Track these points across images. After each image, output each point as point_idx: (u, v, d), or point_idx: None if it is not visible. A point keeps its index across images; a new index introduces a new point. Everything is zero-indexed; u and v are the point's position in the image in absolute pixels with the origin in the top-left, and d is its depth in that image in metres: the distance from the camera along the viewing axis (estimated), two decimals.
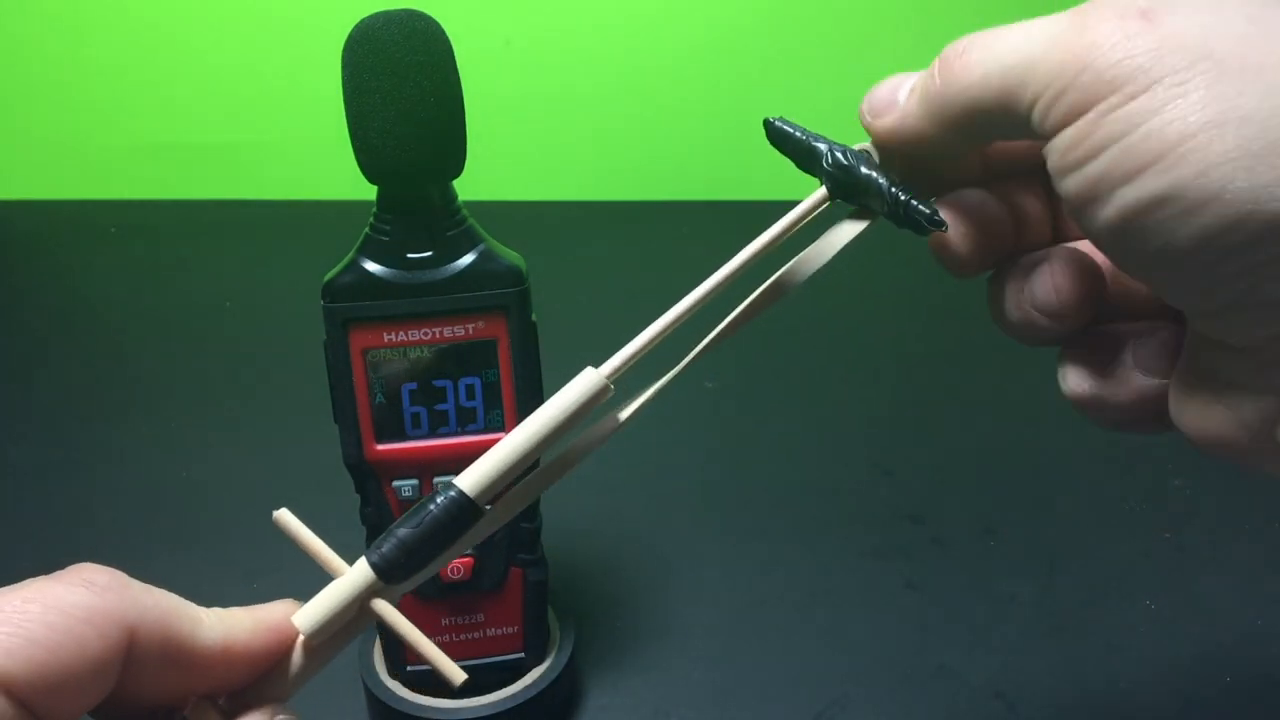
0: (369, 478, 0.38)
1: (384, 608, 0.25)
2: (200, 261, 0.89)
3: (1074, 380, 0.28)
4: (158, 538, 0.55)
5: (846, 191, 0.28)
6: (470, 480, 0.25)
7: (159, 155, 1.00)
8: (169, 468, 0.61)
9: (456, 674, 0.24)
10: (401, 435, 0.38)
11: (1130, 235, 0.21)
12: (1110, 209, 0.21)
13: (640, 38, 0.95)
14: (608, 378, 0.26)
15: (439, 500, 0.25)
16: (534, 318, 0.37)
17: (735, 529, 0.55)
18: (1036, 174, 0.28)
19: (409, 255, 0.36)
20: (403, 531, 0.25)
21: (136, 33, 0.96)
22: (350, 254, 0.36)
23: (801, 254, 0.28)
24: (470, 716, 0.40)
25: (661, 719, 0.44)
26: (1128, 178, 0.21)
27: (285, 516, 0.25)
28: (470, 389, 0.37)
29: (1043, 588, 0.50)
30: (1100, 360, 0.27)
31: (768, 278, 0.28)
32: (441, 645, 0.40)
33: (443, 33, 0.34)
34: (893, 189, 0.26)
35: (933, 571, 0.52)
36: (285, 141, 0.98)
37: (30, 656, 0.20)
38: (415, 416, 0.37)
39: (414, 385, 0.37)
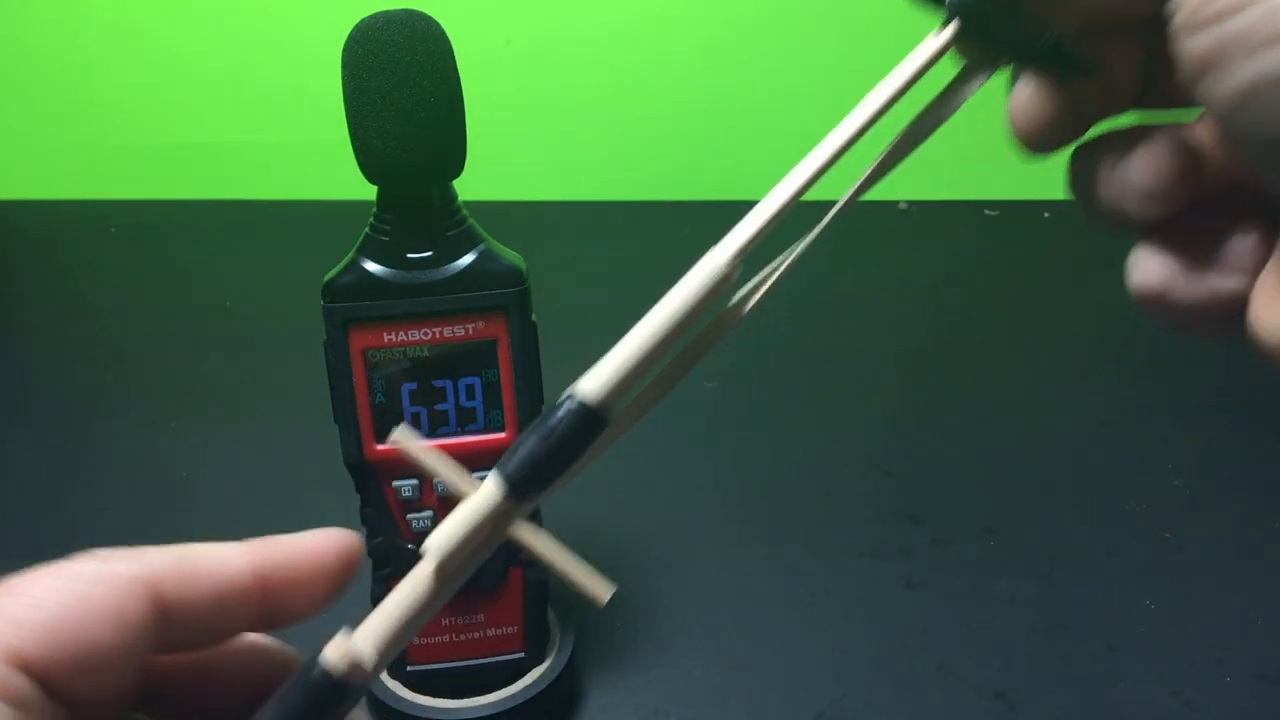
0: (369, 478, 0.38)
1: (516, 526, 0.23)
2: (200, 261, 0.89)
3: (1144, 271, 0.25)
4: (156, 538, 0.54)
5: (979, 28, 0.24)
6: (590, 387, 0.23)
7: (159, 155, 1.00)
8: (168, 468, 0.61)
9: (603, 590, 0.22)
10: None
11: (1255, 110, 0.19)
12: (1238, 77, 0.18)
13: (640, 37, 0.95)
14: (730, 262, 0.23)
15: (560, 412, 0.23)
16: (534, 318, 0.37)
17: (735, 529, 0.55)
18: (1133, 27, 0.24)
19: (409, 255, 0.36)
20: (529, 447, 0.23)
21: (136, 33, 0.96)
22: (350, 254, 0.36)
23: (928, 106, 0.25)
24: (470, 716, 0.40)
25: (661, 719, 0.44)
26: (1268, 43, 0.18)
27: (404, 434, 0.24)
28: (470, 389, 0.37)
29: (1043, 588, 0.50)
30: (1178, 254, 0.24)
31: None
32: (441, 645, 0.41)
33: (443, 33, 0.34)
34: (1036, 26, 0.23)
35: (933, 571, 0.52)
36: (285, 142, 0.98)
37: (39, 622, 0.19)
38: (415, 416, 0.37)
39: (414, 385, 0.37)
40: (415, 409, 0.37)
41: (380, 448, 0.38)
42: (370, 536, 0.39)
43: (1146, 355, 0.71)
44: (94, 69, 0.98)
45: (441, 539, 0.23)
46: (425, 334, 0.36)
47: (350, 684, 0.22)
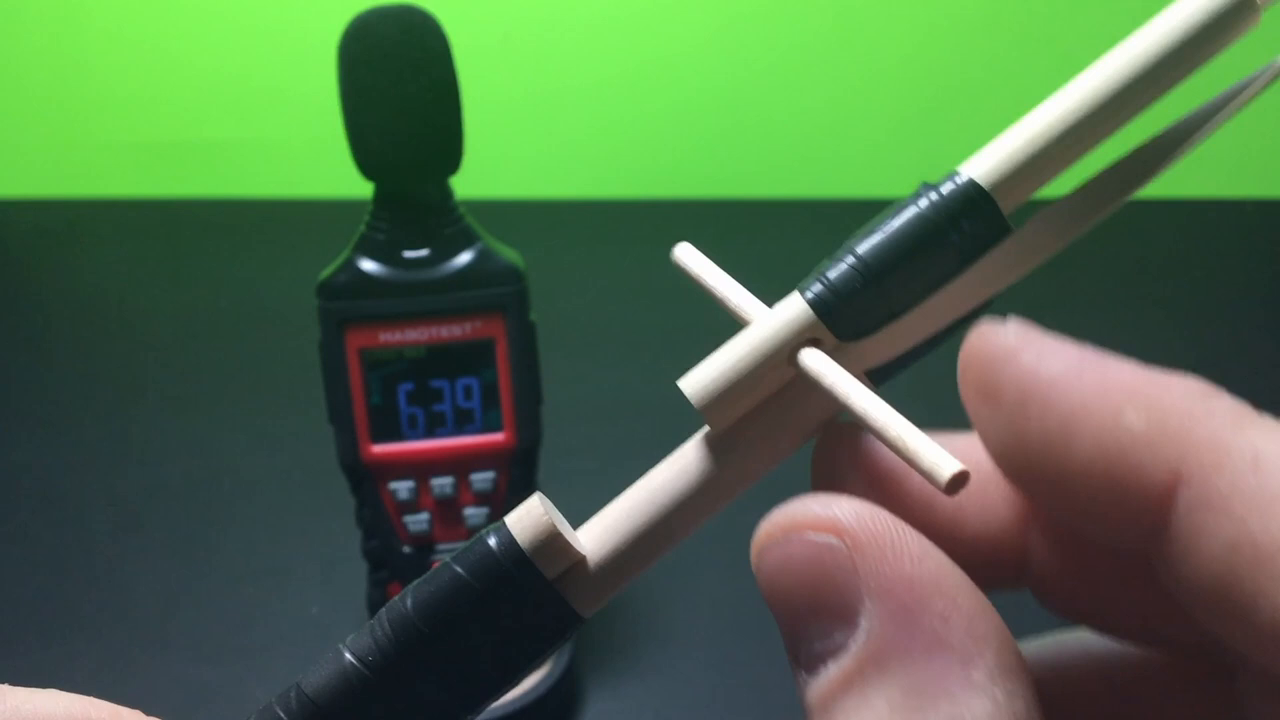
0: (365, 479, 0.38)
1: (822, 365, 0.15)
2: (194, 260, 0.89)
3: None
4: (150, 538, 0.54)
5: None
6: (987, 166, 0.14)
7: (152, 153, 1.00)
8: (164, 468, 0.60)
9: (947, 471, 0.14)
10: (398, 436, 0.37)
11: None
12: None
13: (641, 33, 0.94)
14: None
15: (934, 193, 0.14)
16: (532, 318, 0.37)
17: (736, 531, 0.54)
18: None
19: (405, 254, 0.35)
20: (867, 245, 0.15)
21: (130, 29, 0.96)
22: (346, 252, 0.36)
23: None
24: None
25: None
26: None
27: (687, 251, 0.17)
28: (468, 389, 0.37)
29: None
30: None
31: None
32: None
33: (440, 28, 0.34)
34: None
35: None
36: (280, 139, 0.98)
37: None
38: (412, 417, 0.37)
39: (410, 385, 0.37)
40: (412, 410, 0.37)
41: (376, 449, 0.37)
42: (366, 539, 0.39)
43: (1152, 355, 0.70)
44: (86, 65, 0.97)
45: (701, 376, 0.16)
46: (422, 334, 0.36)
47: (538, 565, 0.15)
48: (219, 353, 0.73)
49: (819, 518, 0.14)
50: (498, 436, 0.37)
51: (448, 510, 0.38)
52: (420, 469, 0.38)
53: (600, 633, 0.48)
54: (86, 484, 0.59)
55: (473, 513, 0.38)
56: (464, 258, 0.36)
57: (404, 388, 0.37)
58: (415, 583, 0.16)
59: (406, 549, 0.38)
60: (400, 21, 0.33)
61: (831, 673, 0.14)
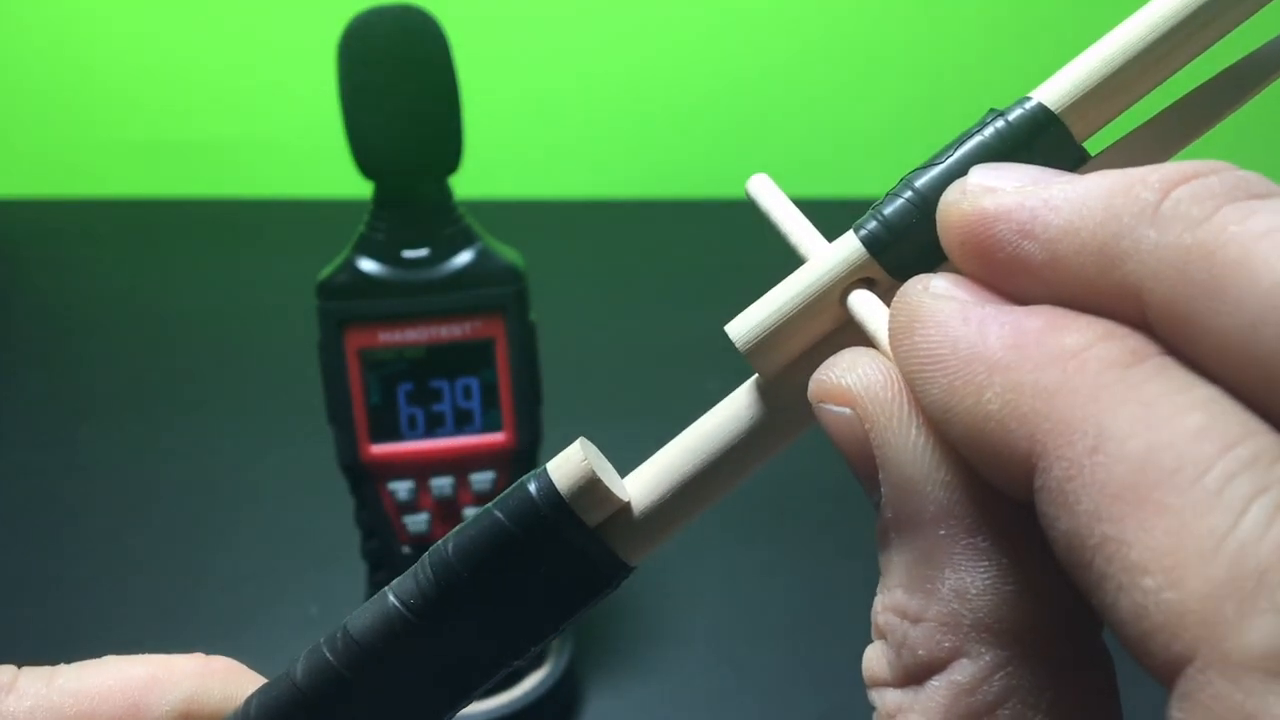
0: (364, 479, 0.38)
1: (869, 308, 0.14)
2: (192, 260, 0.89)
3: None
4: (150, 540, 0.54)
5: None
6: (1060, 89, 0.14)
7: (149, 152, 1.00)
8: (163, 468, 0.60)
9: None
10: (397, 436, 0.37)
11: None
12: None
13: (640, 33, 0.94)
14: None
15: (1001, 120, 0.14)
16: (532, 318, 0.37)
17: (735, 531, 0.55)
18: None
19: (405, 254, 0.35)
20: (926, 178, 0.14)
21: (133, 29, 0.96)
22: (345, 252, 0.36)
23: None
24: None
25: None
26: None
27: (761, 182, 0.17)
28: (467, 389, 0.37)
29: None
30: None
31: None
32: None
33: (439, 27, 0.34)
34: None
35: None
36: (280, 138, 0.98)
37: None
38: (411, 418, 0.37)
39: (410, 386, 0.37)
40: (411, 410, 0.37)
41: (375, 449, 0.37)
42: (366, 539, 0.39)
43: None
44: (86, 65, 0.97)
45: (751, 318, 0.15)
46: (422, 334, 0.36)
47: (577, 511, 0.15)
48: (219, 353, 0.73)
49: (833, 389, 0.14)
50: (497, 437, 0.37)
51: (447, 511, 0.38)
52: (420, 469, 0.38)
53: (600, 633, 0.48)
54: (85, 484, 0.59)
55: (472, 513, 0.38)
56: (464, 258, 0.35)
57: (403, 388, 0.37)
58: (458, 527, 0.16)
59: (406, 549, 0.38)
60: (400, 21, 0.33)
61: (878, 525, 0.14)
